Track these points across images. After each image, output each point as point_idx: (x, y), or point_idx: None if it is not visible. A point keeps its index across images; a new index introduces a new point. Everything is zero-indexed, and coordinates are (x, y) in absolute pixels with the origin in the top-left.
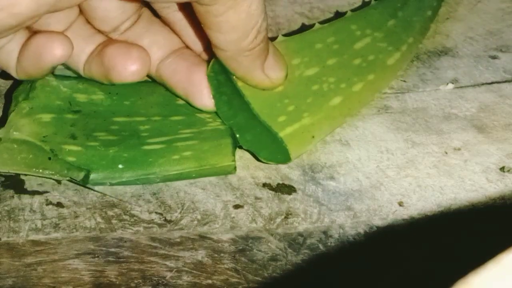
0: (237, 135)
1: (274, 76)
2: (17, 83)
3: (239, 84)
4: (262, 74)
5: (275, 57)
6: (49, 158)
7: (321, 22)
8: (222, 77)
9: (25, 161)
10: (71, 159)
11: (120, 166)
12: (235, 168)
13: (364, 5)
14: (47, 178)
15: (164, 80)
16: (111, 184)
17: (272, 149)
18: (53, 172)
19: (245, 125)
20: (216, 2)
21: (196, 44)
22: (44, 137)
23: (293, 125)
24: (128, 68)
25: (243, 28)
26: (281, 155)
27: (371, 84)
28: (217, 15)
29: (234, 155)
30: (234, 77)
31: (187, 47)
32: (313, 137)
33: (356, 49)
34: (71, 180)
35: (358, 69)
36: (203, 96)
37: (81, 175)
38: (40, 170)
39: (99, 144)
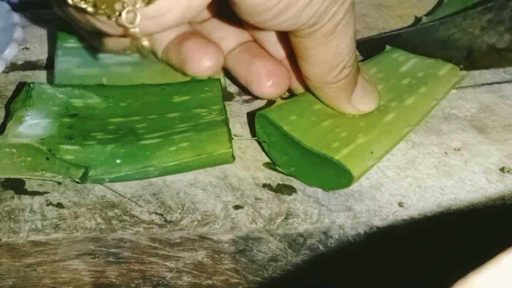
0: (301, 179)
1: (362, 108)
2: (17, 91)
3: (285, 128)
4: (348, 105)
5: (364, 90)
6: (47, 158)
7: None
8: (269, 128)
9: (24, 164)
10: (68, 157)
11: (118, 161)
12: (233, 156)
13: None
14: (48, 180)
15: (229, 69)
16: (110, 180)
17: (335, 176)
18: (52, 173)
19: (305, 166)
20: (309, 36)
21: (266, 42)
22: (41, 139)
23: (348, 146)
24: (203, 64)
25: (329, 63)
26: (344, 178)
27: (424, 95)
28: (308, 48)
29: (230, 142)
30: (279, 123)
31: (254, 40)
32: (372, 152)
33: (402, 72)
34: (73, 179)
35: (407, 87)
36: (261, 85)
37: (80, 172)
38: (41, 172)
39: (96, 143)
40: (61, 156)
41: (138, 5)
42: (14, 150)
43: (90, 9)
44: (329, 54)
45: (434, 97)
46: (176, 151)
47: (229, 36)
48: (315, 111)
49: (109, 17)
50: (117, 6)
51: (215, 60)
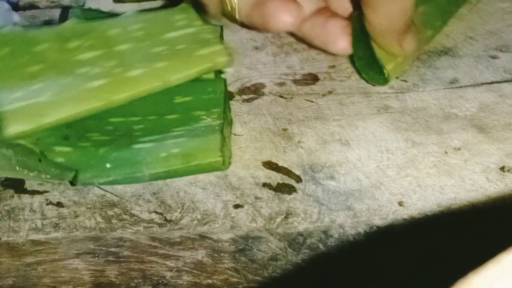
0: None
1: (407, 48)
2: None
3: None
4: (398, 46)
5: (413, 34)
6: (39, 160)
7: None
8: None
9: (19, 164)
10: (60, 159)
11: (107, 165)
12: (224, 163)
13: None
14: (43, 181)
15: (303, 35)
16: (100, 184)
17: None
18: (46, 175)
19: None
20: None
21: (338, 7)
22: (36, 139)
23: None
24: (282, 18)
25: (394, 14)
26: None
27: (157, 71)
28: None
29: (222, 151)
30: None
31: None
32: (42, 116)
33: (165, 39)
34: (65, 180)
35: (151, 56)
36: (338, 41)
37: (70, 175)
38: (36, 173)
39: (90, 145)
40: (53, 159)
41: None
42: (10, 150)
43: None
44: (396, 7)
45: (166, 79)
46: (166, 158)
47: (304, 2)
48: None
49: None
50: None
51: (295, 15)
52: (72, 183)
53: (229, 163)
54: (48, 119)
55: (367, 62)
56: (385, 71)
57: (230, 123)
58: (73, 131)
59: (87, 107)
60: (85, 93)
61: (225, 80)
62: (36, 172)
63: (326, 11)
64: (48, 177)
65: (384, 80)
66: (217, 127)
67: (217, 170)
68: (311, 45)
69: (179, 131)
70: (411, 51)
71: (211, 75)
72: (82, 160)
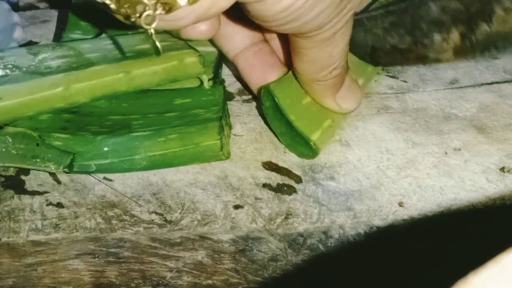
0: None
1: (344, 106)
2: None
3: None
4: (332, 102)
5: (349, 90)
6: (37, 144)
7: None
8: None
9: (17, 152)
10: (57, 143)
11: (105, 148)
12: (222, 148)
13: None
14: (40, 170)
15: (239, 70)
16: (97, 168)
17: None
18: (42, 161)
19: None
20: (307, 39)
21: (275, 42)
22: (36, 128)
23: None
24: (197, 26)
25: (321, 64)
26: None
27: (120, 64)
28: (303, 48)
29: (220, 135)
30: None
31: (266, 41)
32: None
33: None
34: (62, 168)
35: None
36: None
37: (68, 159)
38: (32, 160)
39: (88, 133)
40: (51, 142)
41: (158, 12)
42: (9, 138)
43: (113, 6)
44: (323, 57)
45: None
46: (164, 141)
47: (240, 33)
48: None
49: (128, 16)
50: (139, 8)
51: (211, 25)
52: (69, 169)
53: (229, 154)
54: (3, 102)
55: (290, 136)
56: (311, 143)
57: (230, 127)
58: (72, 124)
59: (45, 91)
60: (44, 80)
61: (224, 87)
62: (32, 159)
63: (264, 51)
64: (45, 163)
65: (313, 153)
66: (216, 118)
67: (215, 158)
68: None
69: (177, 122)
70: (349, 109)
71: (210, 83)
72: (80, 144)
